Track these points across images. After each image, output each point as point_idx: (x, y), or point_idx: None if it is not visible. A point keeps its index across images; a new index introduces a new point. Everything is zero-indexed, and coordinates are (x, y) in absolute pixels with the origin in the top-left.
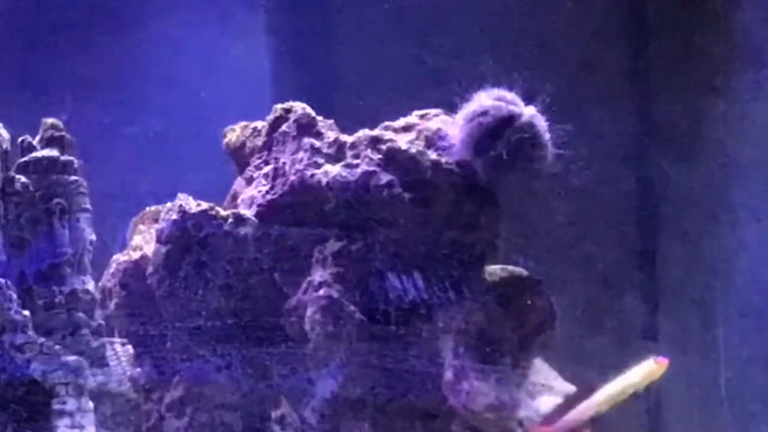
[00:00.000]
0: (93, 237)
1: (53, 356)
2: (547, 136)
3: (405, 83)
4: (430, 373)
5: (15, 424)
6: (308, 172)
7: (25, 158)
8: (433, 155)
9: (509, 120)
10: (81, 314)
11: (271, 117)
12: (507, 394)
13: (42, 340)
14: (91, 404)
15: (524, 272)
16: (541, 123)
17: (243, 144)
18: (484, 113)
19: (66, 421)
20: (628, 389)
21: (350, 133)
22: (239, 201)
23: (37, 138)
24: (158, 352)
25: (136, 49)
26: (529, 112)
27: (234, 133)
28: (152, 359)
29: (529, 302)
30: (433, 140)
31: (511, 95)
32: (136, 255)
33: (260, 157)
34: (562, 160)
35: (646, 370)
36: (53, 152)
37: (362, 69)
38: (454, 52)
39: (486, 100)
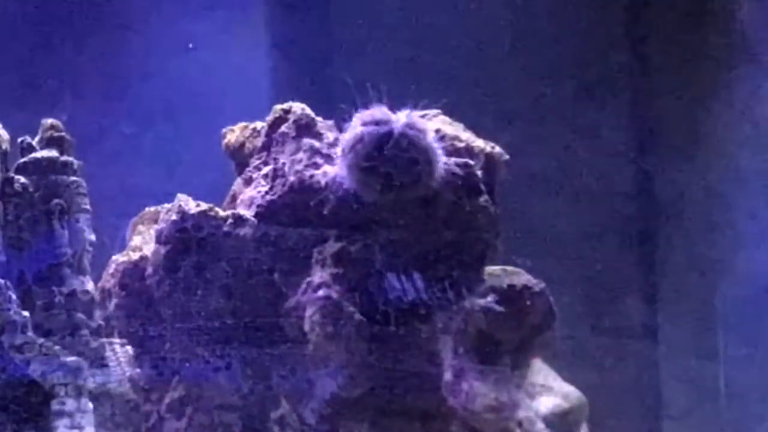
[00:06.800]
0: (92, 237)
1: (52, 357)
2: (426, 140)
3: (404, 84)
4: (429, 374)
5: (14, 424)
6: (307, 173)
7: (25, 159)
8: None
9: (383, 140)
10: (80, 315)
11: (270, 118)
12: (506, 395)
13: (41, 340)
14: (90, 405)
15: (524, 273)
16: (416, 130)
17: (242, 144)
18: (359, 141)
19: (65, 421)
20: None
21: None
22: (239, 202)
23: (37, 138)
24: (158, 353)
25: (137, 50)
26: (400, 124)
27: (233, 134)
28: (152, 360)
29: (528, 303)
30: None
31: (381, 112)
32: (135, 256)
33: (259, 158)
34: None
35: None
36: (53, 153)
37: (362, 70)
38: (454, 53)
39: (359, 126)
